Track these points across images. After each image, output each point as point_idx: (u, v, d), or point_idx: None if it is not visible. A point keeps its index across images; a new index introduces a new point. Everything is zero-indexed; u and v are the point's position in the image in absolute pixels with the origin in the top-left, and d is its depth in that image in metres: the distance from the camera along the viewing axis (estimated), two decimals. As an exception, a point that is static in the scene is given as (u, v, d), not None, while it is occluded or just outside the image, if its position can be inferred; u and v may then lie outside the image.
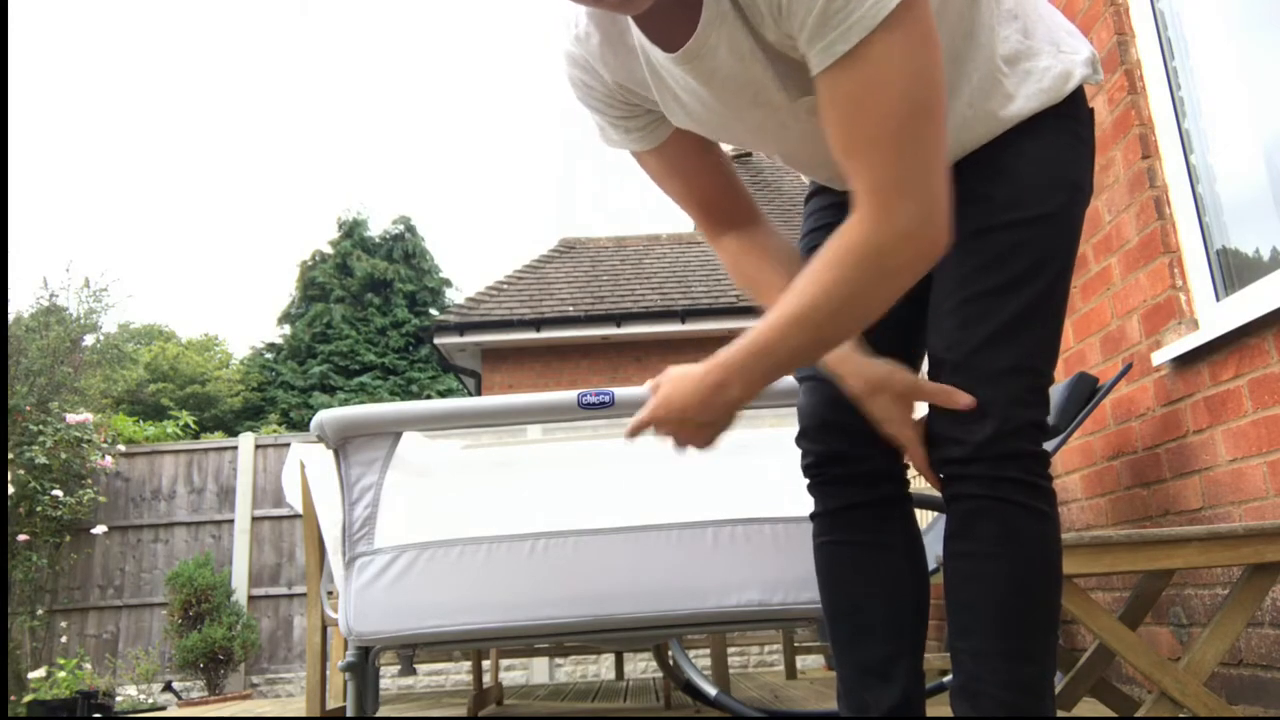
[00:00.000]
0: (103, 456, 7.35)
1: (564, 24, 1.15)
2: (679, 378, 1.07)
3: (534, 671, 7.21)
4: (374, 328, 21.07)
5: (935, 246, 0.97)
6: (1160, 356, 2.45)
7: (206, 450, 7.90)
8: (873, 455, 1.20)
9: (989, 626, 1.08)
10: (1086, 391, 2.60)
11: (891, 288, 0.98)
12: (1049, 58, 1.13)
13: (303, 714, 3.55)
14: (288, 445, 7.27)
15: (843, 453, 1.21)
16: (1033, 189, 1.12)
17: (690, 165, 1.21)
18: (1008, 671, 1.06)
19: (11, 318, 7.92)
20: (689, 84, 1.07)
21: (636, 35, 1.07)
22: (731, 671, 5.03)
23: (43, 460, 6.87)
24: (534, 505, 1.78)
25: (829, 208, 1.29)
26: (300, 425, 17.87)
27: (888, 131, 0.92)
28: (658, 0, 0.96)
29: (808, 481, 1.25)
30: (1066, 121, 1.15)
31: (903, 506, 1.25)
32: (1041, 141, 1.13)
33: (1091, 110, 1.20)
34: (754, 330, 1.02)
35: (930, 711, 1.24)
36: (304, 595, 7.31)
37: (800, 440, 1.25)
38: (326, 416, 1.71)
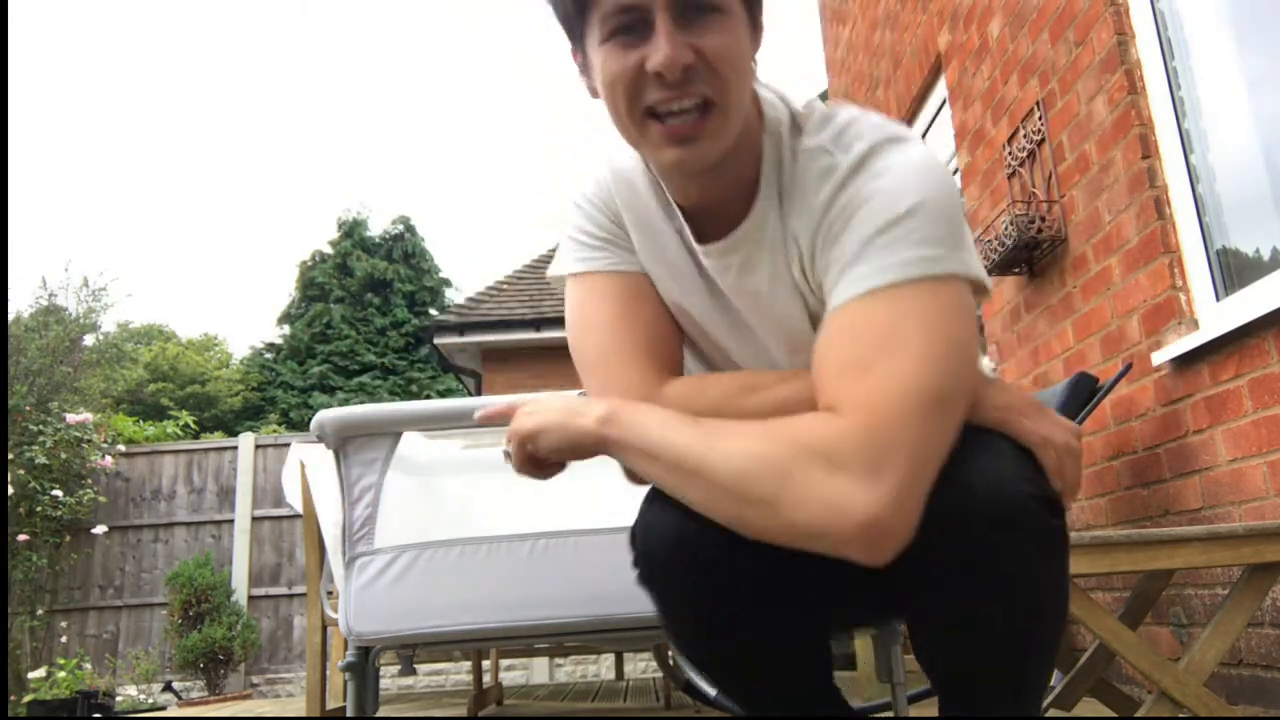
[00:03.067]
0: (103, 456, 7.35)
1: (595, 185, 1.09)
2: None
3: (534, 671, 7.21)
4: (374, 328, 21.07)
5: (884, 535, 0.79)
6: (1160, 356, 2.45)
7: (206, 450, 7.90)
8: None
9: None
10: (1086, 391, 2.60)
11: (809, 521, 0.79)
12: None
13: (303, 714, 3.55)
14: (288, 445, 7.26)
15: None
16: None
17: (658, 301, 1.07)
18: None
19: (11, 317, 7.91)
20: (705, 269, 1.05)
21: (664, 214, 1.05)
22: (731, 671, 5.01)
23: (43, 460, 6.87)
24: (534, 505, 1.78)
25: None
26: (300, 425, 17.87)
27: (892, 385, 0.82)
28: (711, 192, 0.97)
29: None
30: None
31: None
32: None
33: None
34: (662, 399, 0.95)
35: (921, 713, 1.23)
36: (304, 595, 7.31)
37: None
38: (326, 416, 1.71)
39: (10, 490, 6.62)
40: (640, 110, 0.91)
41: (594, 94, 0.98)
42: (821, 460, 0.80)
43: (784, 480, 0.80)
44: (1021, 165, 3.32)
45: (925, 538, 0.80)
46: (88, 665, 6.11)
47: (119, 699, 5.88)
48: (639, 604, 1.77)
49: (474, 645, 2.86)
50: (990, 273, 3.20)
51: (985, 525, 0.82)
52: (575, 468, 1.02)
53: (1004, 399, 0.91)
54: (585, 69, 0.98)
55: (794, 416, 0.85)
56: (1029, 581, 0.85)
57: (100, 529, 7.25)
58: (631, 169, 1.06)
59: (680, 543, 0.91)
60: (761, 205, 0.99)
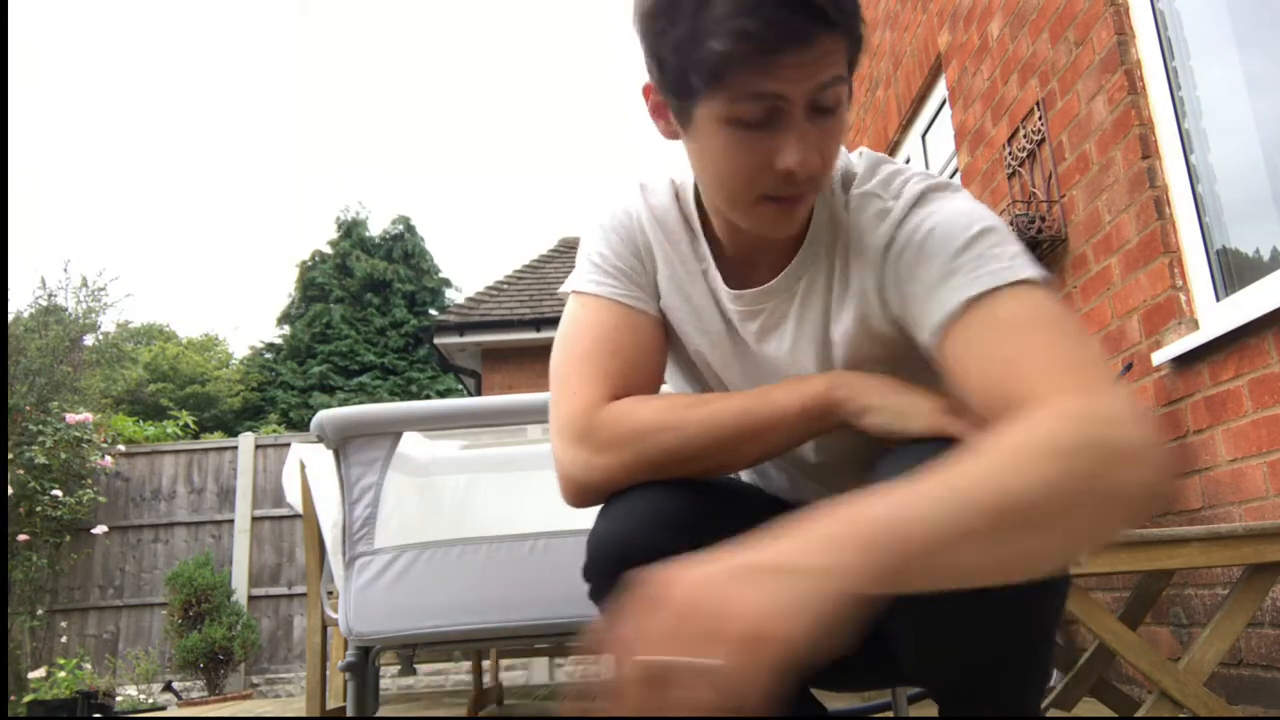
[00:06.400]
0: (103, 456, 7.35)
1: (625, 212, 1.08)
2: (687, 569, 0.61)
3: (534, 671, 7.21)
4: (373, 328, 21.07)
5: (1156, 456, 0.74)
6: (1160, 356, 2.45)
7: (206, 450, 7.91)
8: None
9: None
10: (1086, 391, 2.60)
11: (1125, 486, 0.70)
12: None
13: (303, 714, 3.55)
14: (288, 445, 7.28)
15: None
16: None
17: (648, 343, 1.05)
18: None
19: (11, 317, 7.92)
20: (728, 314, 1.04)
21: (694, 255, 1.05)
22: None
23: (43, 460, 6.87)
24: (534, 505, 1.78)
25: None
26: (300, 425, 17.86)
27: (1052, 343, 0.81)
28: (757, 240, 0.99)
29: None
30: None
31: None
32: None
33: None
34: (876, 506, 0.64)
35: (921, 713, 1.22)
36: (304, 595, 7.31)
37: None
38: (327, 416, 1.71)
39: (10, 490, 6.62)
40: (755, 195, 0.90)
41: (671, 137, 0.96)
42: (1105, 423, 0.73)
43: (1104, 455, 0.70)
44: (1021, 165, 3.32)
45: None
46: (88, 665, 6.11)
47: (119, 699, 5.88)
48: (639, 604, 1.76)
49: (474, 645, 2.86)
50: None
51: None
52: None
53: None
54: (663, 112, 0.94)
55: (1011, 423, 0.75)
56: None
57: (100, 529, 7.26)
58: (666, 206, 1.07)
59: (623, 556, 0.88)
60: (799, 262, 1.00)
